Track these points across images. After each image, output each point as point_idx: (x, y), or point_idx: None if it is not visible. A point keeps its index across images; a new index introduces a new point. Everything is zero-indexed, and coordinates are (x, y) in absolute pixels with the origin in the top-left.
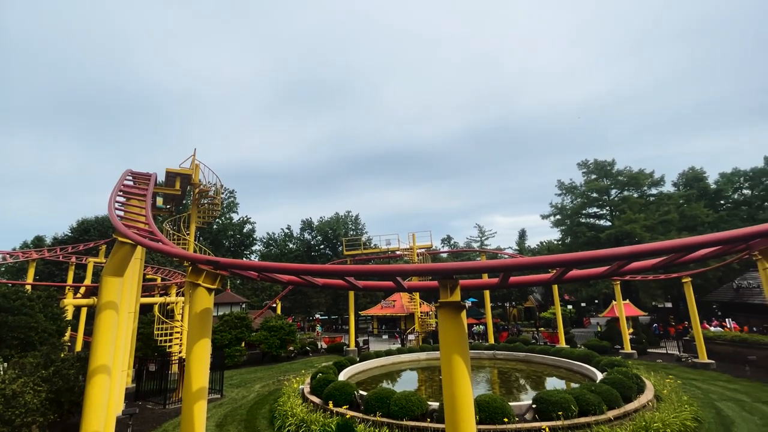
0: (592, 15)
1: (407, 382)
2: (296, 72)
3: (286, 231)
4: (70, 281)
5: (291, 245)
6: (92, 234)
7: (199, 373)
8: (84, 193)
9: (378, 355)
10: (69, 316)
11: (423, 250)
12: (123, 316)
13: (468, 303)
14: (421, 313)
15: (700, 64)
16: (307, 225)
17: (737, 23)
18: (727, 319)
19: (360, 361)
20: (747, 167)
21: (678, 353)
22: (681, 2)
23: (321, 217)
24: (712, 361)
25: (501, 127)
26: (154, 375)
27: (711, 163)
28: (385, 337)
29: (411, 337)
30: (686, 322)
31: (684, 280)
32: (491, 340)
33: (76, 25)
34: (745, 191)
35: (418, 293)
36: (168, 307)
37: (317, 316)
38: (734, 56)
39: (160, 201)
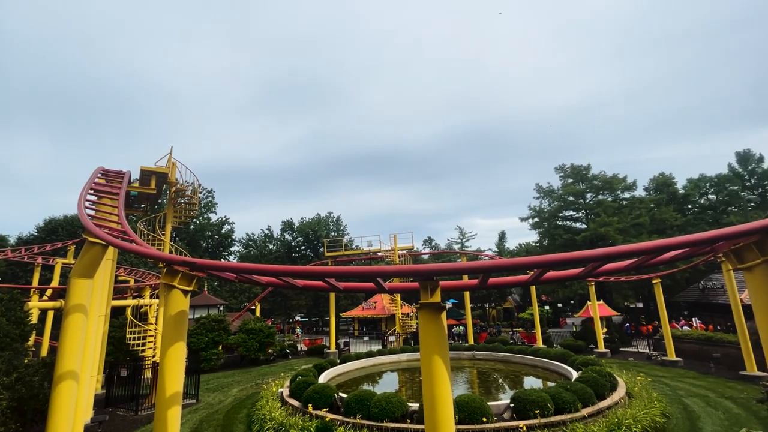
0: (573, 21)
1: (388, 384)
2: (276, 71)
3: (266, 232)
4: (35, 283)
5: (271, 246)
6: (60, 234)
7: (174, 378)
8: (53, 192)
9: (359, 357)
10: (34, 319)
11: (404, 251)
12: (93, 320)
13: (448, 304)
14: (402, 314)
15: (676, 74)
16: (287, 226)
17: (715, 32)
18: (693, 319)
19: (340, 364)
20: (712, 173)
21: (648, 352)
22: (660, 10)
23: (302, 218)
24: (680, 359)
25: (481, 129)
26: (126, 380)
27: (680, 169)
28: (366, 338)
29: (392, 338)
30: (656, 322)
31: (654, 281)
32: (471, 341)
33: (49, 17)
34: (710, 196)
35: (399, 294)
36: (141, 309)
37: (297, 318)
38: (703, 68)
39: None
